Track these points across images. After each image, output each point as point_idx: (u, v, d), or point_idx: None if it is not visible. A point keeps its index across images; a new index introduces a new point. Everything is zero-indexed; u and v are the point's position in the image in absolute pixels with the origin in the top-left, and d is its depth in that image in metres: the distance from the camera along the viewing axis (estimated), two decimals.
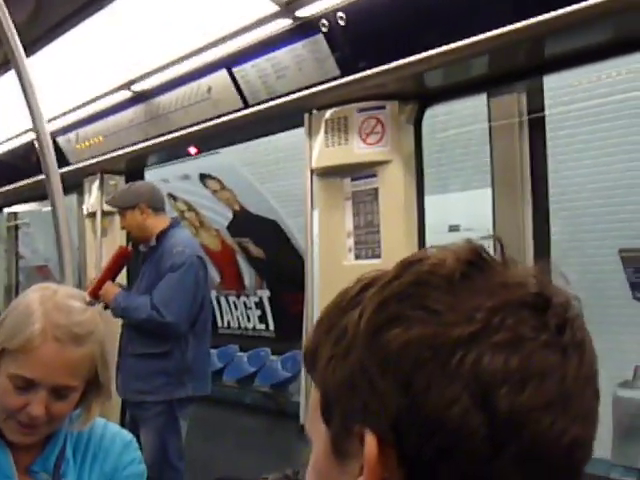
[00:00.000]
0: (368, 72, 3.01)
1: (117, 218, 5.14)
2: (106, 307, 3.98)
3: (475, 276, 0.59)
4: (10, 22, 2.46)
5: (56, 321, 1.48)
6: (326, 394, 0.61)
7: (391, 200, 3.28)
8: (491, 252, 0.62)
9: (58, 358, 1.47)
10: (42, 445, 1.60)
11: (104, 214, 5.11)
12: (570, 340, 0.57)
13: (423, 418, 0.55)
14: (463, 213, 6.94)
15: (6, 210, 7.81)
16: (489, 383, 0.54)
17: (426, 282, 0.59)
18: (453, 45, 2.69)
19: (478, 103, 3.43)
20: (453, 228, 6.91)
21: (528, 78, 3.17)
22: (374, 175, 3.29)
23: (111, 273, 4.11)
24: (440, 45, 2.72)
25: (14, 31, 2.48)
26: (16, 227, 8.36)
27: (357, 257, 3.36)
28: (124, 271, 4.40)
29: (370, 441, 0.57)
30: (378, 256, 3.27)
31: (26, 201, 7.22)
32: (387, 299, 0.59)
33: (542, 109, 3.28)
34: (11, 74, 2.89)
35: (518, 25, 2.45)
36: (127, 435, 1.73)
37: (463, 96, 3.42)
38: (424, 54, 2.79)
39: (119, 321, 4.08)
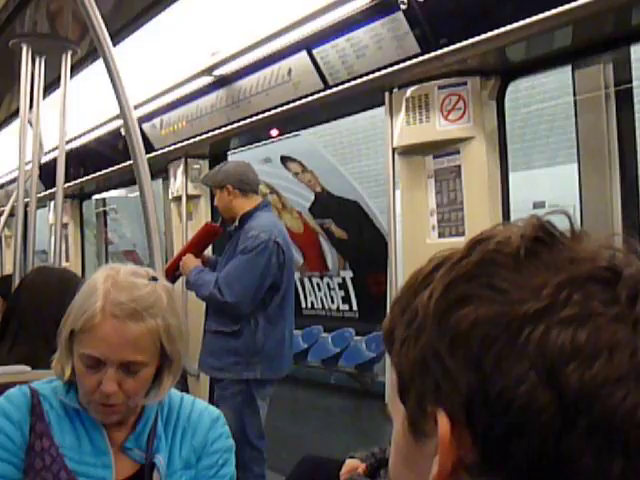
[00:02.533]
0: (448, 48, 2.98)
1: (202, 202, 5.25)
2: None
3: (541, 252, 0.59)
4: (97, 12, 2.53)
5: (115, 298, 1.51)
6: (401, 375, 0.63)
7: (474, 177, 3.25)
8: (578, 226, 0.62)
9: (118, 334, 1.50)
10: (134, 423, 1.66)
11: (189, 198, 5.20)
12: None
13: (493, 396, 0.55)
14: (548, 189, 6.83)
15: (94, 197, 8.00)
16: (556, 359, 0.54)
17: (492, 261, 0.59)
18: (535, 17, 2.63)
19: (562, 76, 3.35)
20: (538, 205, 6.82)
21: (614, 48, 3.07)
22: (457, 152, 3.26)
23: (193, 247, 4.13)
24: (522, 18, 2.67)
25: (101, 20, 2.54)
26: (104, 213, 8.57)
27: (440, 235, 3.34)
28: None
29: (443, 421, 0.57)
30: (462, 234, 3.24)
31: (113, 188, 7.39)
32: (455, 280, 0.60)
33: (630, 80, 3.19)
34: (98, 63, 2.97)
35: None
36: (215, 411, 1.77)
37: (546, 69, 3.35)
38: (505, 28, 2.74)
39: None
